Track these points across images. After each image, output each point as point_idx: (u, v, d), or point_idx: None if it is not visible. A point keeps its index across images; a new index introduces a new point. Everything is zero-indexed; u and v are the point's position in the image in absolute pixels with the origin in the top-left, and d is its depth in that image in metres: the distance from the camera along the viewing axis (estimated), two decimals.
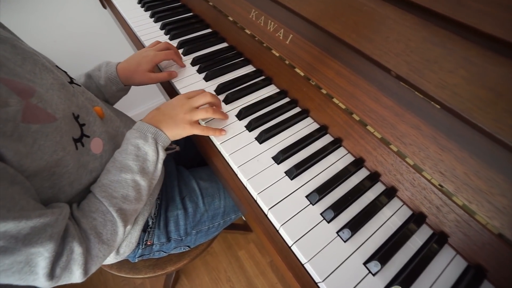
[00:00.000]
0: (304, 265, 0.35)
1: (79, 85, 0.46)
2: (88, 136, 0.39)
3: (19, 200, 0.28)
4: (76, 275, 0.34)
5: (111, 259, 0.50)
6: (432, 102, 0.31)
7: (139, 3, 0.84)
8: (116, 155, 0.41)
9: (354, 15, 0.36)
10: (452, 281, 0.33)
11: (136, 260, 0.56)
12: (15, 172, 0.29)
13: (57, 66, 0.44)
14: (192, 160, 0.71)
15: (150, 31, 0.73)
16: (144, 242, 0.52)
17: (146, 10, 0.80)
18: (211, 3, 0.71)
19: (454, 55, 0.28)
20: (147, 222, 0.51)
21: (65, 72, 0.46)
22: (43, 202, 0.33)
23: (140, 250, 0.53)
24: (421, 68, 0.30)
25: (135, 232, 0.49)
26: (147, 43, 0.69)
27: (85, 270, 0.34)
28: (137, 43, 0.73)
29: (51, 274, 0.31)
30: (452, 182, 0.32)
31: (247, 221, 0.47)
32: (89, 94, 0.47)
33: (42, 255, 0.30)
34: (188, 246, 0.60)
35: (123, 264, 0.61)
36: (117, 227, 0.38)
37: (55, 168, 0.34)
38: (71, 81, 0.44)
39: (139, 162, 0.40)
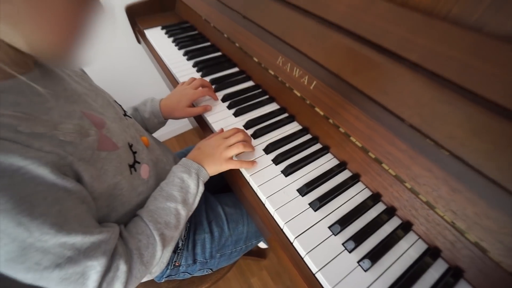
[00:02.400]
0: None
1: (130, 117, 0.53)
2: (139, 163, 0.45)
3: (85, 217, 0.33)
4: None
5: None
6: (442, 150, 0.36)
7: (173, 42, 0.94)
8: (162, 185, 0.46)
9: (372, 70, 0.43)
10: None
11: (163, 280, 0.60)
12: (87, 193, 0.34)
13: (115, 100, 0.52)
14: (217, 185, 0.76)
15: (184, 68, 0.82)
16: (173, 263, 0.56)
17: (179, 49, 0.90)
18: (237, 45, 0.80)
19: (460, 112, 0.33)
20: (177, 244, 0.56)
21: (120, 106, 0.53)
22: (97, 219, 0.38)
23: (168, 271, 0.57)
24: (432, 120, 0.36)
25: (167, 253, 0.53)
26: (181, 79, 0.77)
27: None
28: (171, 78, 0.82)
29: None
30: (464, 220, 0.36)
31: (272, 248, 0.50)
32: (137, 125, 0.54)
33: (95, 269, 0.33)
34: (211, 269, 0.63)
35: (147, 285, 0.65)
36: (156, 250, 0.42)
37: (113, 190, 0.39)
38: (125, 113, 0.52)
39: (183, 193, 0.46)
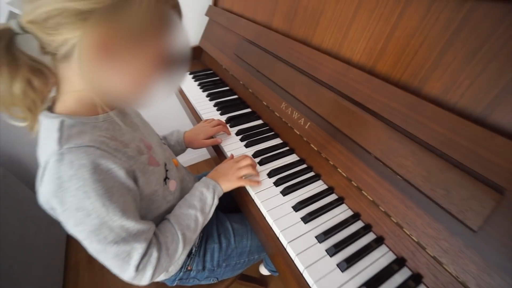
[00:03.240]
0: (311, 286, 0.48)
1: (165, 144, 0.68)
2: (169, 178, 0.59)
3: (135, 211, 0.46)
4: (147, 276, 0.46)
5: (161, 275, 0.64)
6: (397, 175, 0.48)
7: (198, 85, 1.14)
8: (186, 196, 0.60)
9: (349, 116, 0.57)
10: None
11: (175, 284, 0.69)
12: (138, 194, 0.48)
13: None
14: (227, 206, 0.88)
15: (206, 107, 1.00)
16: (186, 266, 0.66)
17: (203, 91, 1.10)
18: (250, 91, 0.98)
19: (406, 148, 0.47)
20: (191, 249, 0.66)
21: (158, 135, 0.69)
22: None
23: (181, 273, 0.67)
24: (388, 153, 0.49)
25: (183, 256, 0.64)
26: (203, 115, 0.94)
27: (153, 273, 0.48)
28: (196, 114, 0.99)
29: (138, 267, 0.45)
30: (415, 230, 0.46)
31: (272, 257, 0.60)
32: (170, 150, 0.69)
33: (137, 251, 0.44)
34: (217, 278, 0.72)
35: None
36: (178, 246, 0.53)
37: (151, 195, 0.53)
38: (161, 140, 0.67)
39: (201, 203, 0.58)
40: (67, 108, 0.43)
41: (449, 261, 0.42)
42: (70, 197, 0.38)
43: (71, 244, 1.44)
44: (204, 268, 0.69)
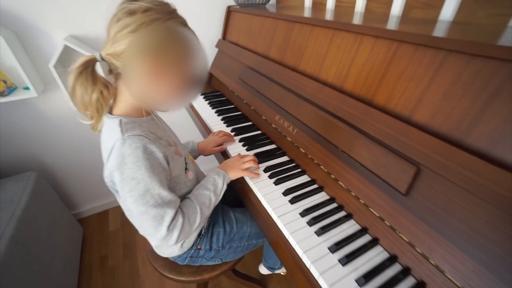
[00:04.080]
0: (294, 247, 0.63)
1: (183, 144, 0.87)
2: (188, 169, 0.77)
3: (166, 185, 0.63)
4: (174, 237, 0.62)
5: (177, 250, 0.79)
6: (357, 162, 0.65)
7: (208, 104, 1.35)
8: (202, 182, 0.77)
9: (324, 122, 0.76)
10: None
11: (185, 262, 0.83)
12: (168, 175, 0.65)
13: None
14: (231, 202, 1.04)
15: (215, 121, 1.19)
16: (196, 245, 0.81)
17: (212, 108, 1.30)
18: (252, 108, 1.18)
19: (361, 142, 0.64)
20: (201, 230, 0.82)
21: (177, 137, 0.88)
22: None
23: (192, 251, 0.81)
24: (351, 146, 0.67)
25: (195, 234, 0.79)
26: (212, 127, 1.14)
27: (178, 235, 0.63)
28: (206, 127, 1.19)
29: (168, 228, 0.61)
30: (374, 206, 0.62)
31: (266, 235, 0.75)
32: (187, 149, 0.87)
33: (168, 215, 0.61)
34: (221, 259, 0.86)
35: (172, 268, 0.88)
36: (197, 217, 0.69)
37: (176, 178, 0.70)
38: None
39: (214, 187, 0.75)
40: (122, 111, 0.62)
41: (391, 221, 0.58)
42: (127, 169, 0.56)
43: (85, 247, 1.57)
44: (211, 248, 0.83)
